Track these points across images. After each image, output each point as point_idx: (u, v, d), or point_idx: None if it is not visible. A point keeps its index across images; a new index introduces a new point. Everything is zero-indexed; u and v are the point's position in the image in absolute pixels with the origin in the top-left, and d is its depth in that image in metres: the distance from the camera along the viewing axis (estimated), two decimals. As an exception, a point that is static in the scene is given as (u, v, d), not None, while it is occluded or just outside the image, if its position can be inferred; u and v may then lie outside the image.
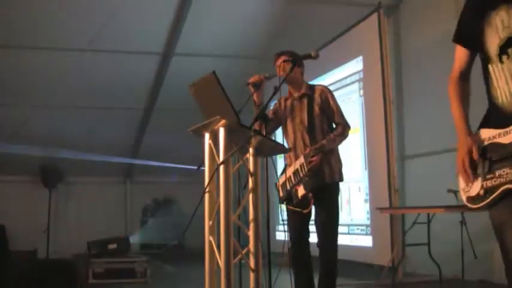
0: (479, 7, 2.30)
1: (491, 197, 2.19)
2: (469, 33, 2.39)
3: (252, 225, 3.31)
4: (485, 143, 2.27)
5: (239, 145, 3.18)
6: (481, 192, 2.23)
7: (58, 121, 9.17)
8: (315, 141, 3.98)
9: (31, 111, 9.07)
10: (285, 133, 4.17)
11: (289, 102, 4.16)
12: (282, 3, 7.78)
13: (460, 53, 2.52)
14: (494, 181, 2.19)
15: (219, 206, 3.15)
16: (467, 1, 2.41)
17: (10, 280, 6.27)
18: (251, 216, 3.32)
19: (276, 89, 3.89)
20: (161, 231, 10.33)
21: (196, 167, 3.58)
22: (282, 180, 4.04)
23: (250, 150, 3.34)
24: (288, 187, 4.00)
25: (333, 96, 4.11)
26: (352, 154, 6.61)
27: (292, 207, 3.98)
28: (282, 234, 8.17)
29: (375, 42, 6.32)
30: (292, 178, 3.96)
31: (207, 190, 3.28)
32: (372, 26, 6.44)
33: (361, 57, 6.71)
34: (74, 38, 7.81)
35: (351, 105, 6.82)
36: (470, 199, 2.29)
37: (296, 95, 4.12)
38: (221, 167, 3.12)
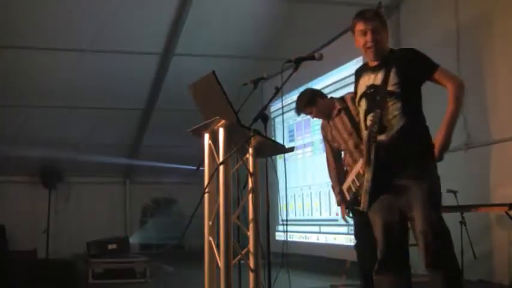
0: None
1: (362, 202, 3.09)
2: None
3: (251, 226, 3.31)
4: None
5: (239, 145, 3.18)
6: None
7: (58, 121, 9.16)
8: None
9: (31, 111, 9.07)
10: (339, 147, 4.42)
11: (331, 123, 4.40)
12: (282, 3, 7.78)
13: None
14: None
15: (218, 206, 3.16)
16: None
17: (10, 280, 6.27)
18: (250, 216, 3.32)
19: (277, 89, 3.89)
20: (161, 231, 10.33)
21: (195, 167, 3.58)
22: (346, 185, 4.17)
23: (250, 150, 3.34)
24: (354, 189, 4.10)
25: None
26: (352, 154, 6.60)
27: (359, 207, 4.14)
28: (281, 235, 8.21)
29: (375, 42, 6.31)
30: (356, 180, 4.05)
31: (206, 190, 3.28)
32: (372, 26, 6.43)
33: (361, 58, 6.70)
34: (74, 38, 7.80)
35: (351, 105, 6.82)
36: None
37: (334, 113, 4.37)
38: (221, 167, 3.12)
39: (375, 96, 3.02)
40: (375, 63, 3.09)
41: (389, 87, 2.96)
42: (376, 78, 3.04)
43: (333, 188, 4.54)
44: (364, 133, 3.11)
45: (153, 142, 9.98)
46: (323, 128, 4.56)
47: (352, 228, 6.79)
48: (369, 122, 3.04)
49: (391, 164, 2.93)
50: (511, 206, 4.72)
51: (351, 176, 4.10)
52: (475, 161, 5.75)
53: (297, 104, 4.49)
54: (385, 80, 2.96)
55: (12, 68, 8.25)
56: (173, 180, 10.34)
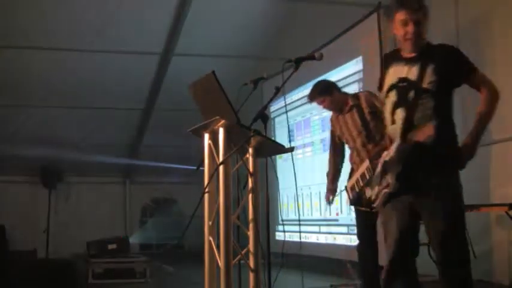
0: None
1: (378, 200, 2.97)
2: None
3: (251, 226, 3.32)
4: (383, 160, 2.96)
5: (238, 145, 3.18)
6: (373, 197, 3.01)
7: (58, 121, 9.17)
8: (376, 143, 4.14)
9: (31, 111, 9.07)
10: (347, 143, 4.45)
11: (340, 118, 4.43)
12: (282, 3, 7.77)
13: None
14: (379, 188, 2.94)
15: (218, 206, 3.16)
16: None
17: (10, 280, 6.27)
18: (250, 216, 3.32)
19: (278, 90, 3.90)
20: (161, 231, 10.34)
21: (195, 167, 3.58)
22: (350, 183, 4.21)
23: (250, 150, 3.34)
24: (357, 189, 4.13)
25: (377, 98, 4.24)
26: (352, 154, 6.61)
27: (362, 208, 4.20)
28: (281, 235, 8.21)
29: (374, 42, 6.31)
30: (360, 181, 4.07)
31: (206, 190, 3.29)
32: (371, 26, 6.43)
33: (360, 58, 6.71)
34: (74, 38, 7.80)
35: (351, 105, 6.82)
36: (373, 201, 3.03)
37: (345, 109, 4.39)
38: (221, 167, 3.12)
39: (406, 90, 2.88)
40: (410, 55, 2.94)
41: (424, 85, 2.82)
42: (410, 72, 2.89)
43: (327, 184, 4.57)
44: (390, 127, 2.97)
45: (153, 142, 9.98)
46: (332, 122, 4.59)
47: (352, 228, 6.82)
48: (397, 117, 2.90)
49: (416, 165, 2.83)
50: (511, 206, 4.73)
51: (356, 176, 4.12)
52: (475, 161, 5.73)
53: (311, 91, 4.49)
54: (421, 76, 2.83)
55: (12, 68, 8.24)
56: (173, 180, 10.35)
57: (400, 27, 2.92)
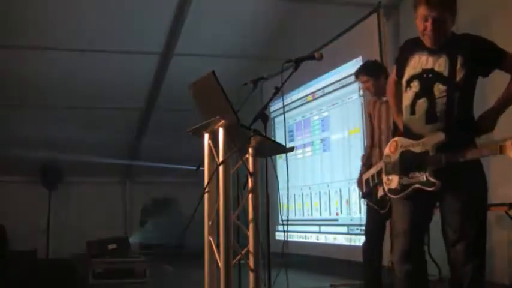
0: None
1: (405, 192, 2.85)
2: None
3: (251, 226, 3.32)
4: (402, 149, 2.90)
5: (238, 145, 3.18)
6: (398, 187, 2.88)
7: (58, 121, 9.16)
8: None
9: (31, 111, 9.07)
10: (372, 131, 4.43)
11: (377, 104, 4.41)
12: (282, 3, 7.77)
13: None
14: (408, 180, 2.83)
15: (218, 206, 3.16)
16: None
17: (10, 280, 6.27)
18: (250, 216, 3.32)
19: (277, 89, 3.90)
20: (161, 231, 10.33)
21: (195, 167, 3.58)
22: (366, 176, 4.19)
23: (250, 150, 3.34)
24: (371, 184, 4.12)
25: None
26: (352, 154, 6.61)
27: (371, 204, 4.18)
28: (281, 235, 8.22)
29: (374, 42, 6.32)
30: (375, 177, 4.05)
31: (206, 190, 3.29)
32: (371, 27, 6.44)
33: (360, 58, 6.71)
34: (74, 38, 7.80)
35: (351, 105, 6.83)
36: (391, 191, 2.93)
37: (383, 98, 4.34)
38: (220, 167, 3.12)
39: (431, 82, 2.80)
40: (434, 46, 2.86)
41: (457, 79, 2.76)
42: (437, 64, 2.81)
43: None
44: (409, 117, 2.90)
45: (153, 142, 9.98)
46: (368, 105, 4.59)
47: (351, 228, 6.82)
48: (418, 108, 2.83)
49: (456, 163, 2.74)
50: (511, 206, 4.73)
51: (373, 170, 4.12)
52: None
53: (359, 68, 4.50)
54: (453, 70, 2.75)
55: (11, 68, 8.24)
56: (173, 180, 10.34)
57: (420, 22, 2.82)
